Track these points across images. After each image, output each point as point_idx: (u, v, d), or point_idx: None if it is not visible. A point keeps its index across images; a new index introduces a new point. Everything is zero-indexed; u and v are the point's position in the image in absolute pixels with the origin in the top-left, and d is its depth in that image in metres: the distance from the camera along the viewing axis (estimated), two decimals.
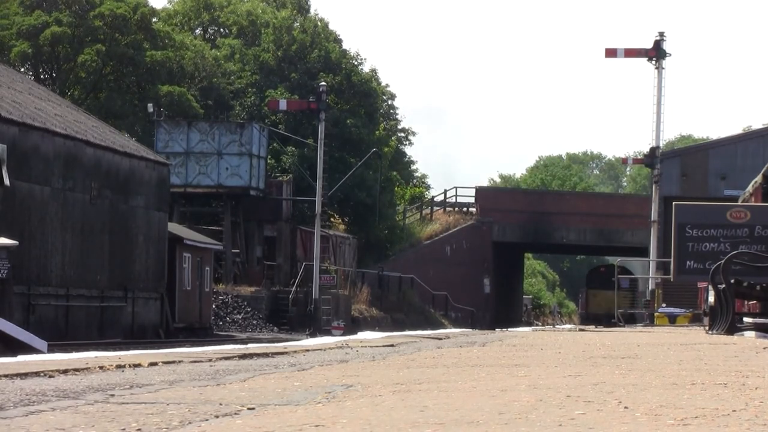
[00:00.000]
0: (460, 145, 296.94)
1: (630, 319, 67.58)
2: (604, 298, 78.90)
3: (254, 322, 61.43)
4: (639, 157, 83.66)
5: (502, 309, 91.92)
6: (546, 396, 6.54)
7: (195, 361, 11.55)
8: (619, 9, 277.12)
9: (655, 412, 5.58)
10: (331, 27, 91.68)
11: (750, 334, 22.16)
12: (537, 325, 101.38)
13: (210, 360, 11.88)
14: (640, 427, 4.93)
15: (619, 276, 73.39)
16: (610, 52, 65.58)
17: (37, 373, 8.87)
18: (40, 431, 4.89)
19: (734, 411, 5.72)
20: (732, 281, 24.60)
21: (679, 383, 7.66)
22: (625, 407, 5.83)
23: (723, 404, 6.08)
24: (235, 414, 5.69)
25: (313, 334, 50.90)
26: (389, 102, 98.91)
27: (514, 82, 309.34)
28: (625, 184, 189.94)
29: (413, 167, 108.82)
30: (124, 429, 5.00)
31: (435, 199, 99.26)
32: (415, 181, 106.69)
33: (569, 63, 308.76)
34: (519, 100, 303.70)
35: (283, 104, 75.17)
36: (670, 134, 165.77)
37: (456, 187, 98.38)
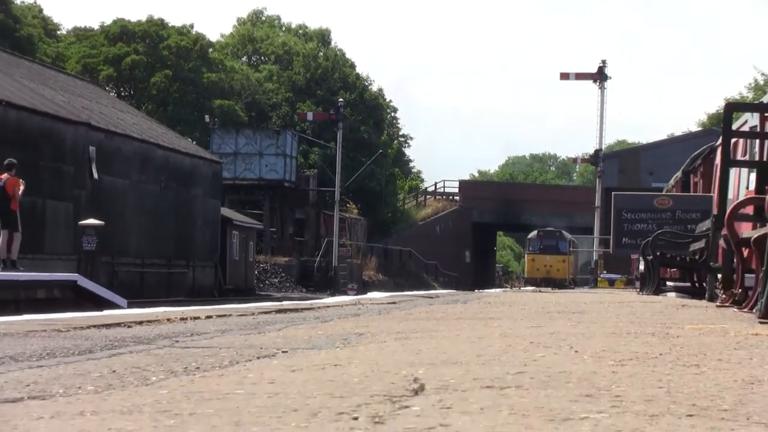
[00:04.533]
0: (446, 146, 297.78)
1: (572, 283, 66.94)
2: (542, 262, 70.92)
3: (287, 284, 61.65)
4: (586, 157, 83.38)
5: (479, 275, 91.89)
6: (514, 342, 6.53)
7: (241, 315, 11.53)
8: (573, 39, 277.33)
9: (598, 355, 5.57)
10: (348, 55, 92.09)
11: (671, 295, 22.13)
12: (506, 287, 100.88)
13: (253, 314, 11.86)
14: (587, 366, 4.92)
15: (558, 240, 72.19)
16: (564, 75, 65.50)
17: (118, 324, 8.87)
18: (121, 369, 4.89)
19: (660, 354, 5.71)
20: (658, 254, 24.55)
21: (617, 333, 7.65)
22: (576, 351, 5.82)
23: (652, 349, 6.07)
24: (272, 356, 5.69)
25: (332, 294, 50.83)
26: (392, 114, 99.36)
27: (491, 96, 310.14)
28: (575, 178, 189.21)
29: (411, 165, 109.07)
30: (186, 367, 4.99)
31: (428, 190, 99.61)
32: (412, 175, 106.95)
33: (534, 81, 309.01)
34: (494, 111, 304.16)
35: (309, 116, 75.83)
36: (610, 139, 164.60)
37: (444, 180, 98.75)
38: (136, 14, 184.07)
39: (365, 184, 79.68)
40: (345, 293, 51.96)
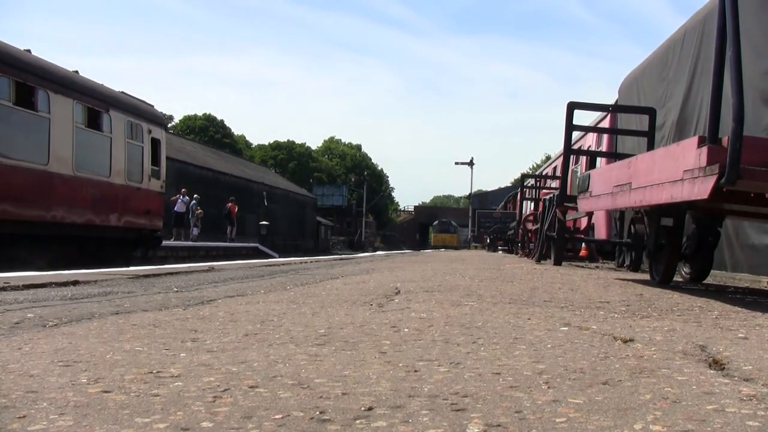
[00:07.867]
0: (401, 186, 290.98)
1: (458, 248, 66.01)
2: (440, 237, 64.88)
3: (345, 249, 61.46)
4: (465, 196, 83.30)
5: (421, 244, 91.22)
6: (439, 272, 6.46)
7: (326, 259, 11.43)
8: (454, 140, 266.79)
9: (471, 278, 5.49)
10: (369, 154, 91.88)
11: (500, 252, 22.05)
12: (432, 249, 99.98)
13: (331, 259, 11.77)
14: (467, 282, 4.85)
15: (449, 226, 71.28)
16: (458, 162, 64.80)
17: (274, 264, 8.77)
18: (275, 283, 4.81)
19: (497, 277, 5.63)
20: (494, 235, 24.53)
21: (479, 268, 7.58)
22: (462, 276, 5.75)
23: (493, 274, 5.99)
24: (337, 278, 5.61)
25: (364, 251, 50.78)
26: (388, 181, 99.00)
27: (429, 170, 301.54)
28: (461, 205, 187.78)
29: (396, 199, 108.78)
30: (301, 283, 4.90)
31: (401, 209, 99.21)
32: (396, 203, 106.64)
33: (449, 162, 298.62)
34: (433, 174, 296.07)
35: (353, 179, 75.33)
36: (476, 188, 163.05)
37: (407, 205, 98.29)
38: (282, 135, 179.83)
39: (376, 207, 79.61)
40: (367, 252, 51.90)
